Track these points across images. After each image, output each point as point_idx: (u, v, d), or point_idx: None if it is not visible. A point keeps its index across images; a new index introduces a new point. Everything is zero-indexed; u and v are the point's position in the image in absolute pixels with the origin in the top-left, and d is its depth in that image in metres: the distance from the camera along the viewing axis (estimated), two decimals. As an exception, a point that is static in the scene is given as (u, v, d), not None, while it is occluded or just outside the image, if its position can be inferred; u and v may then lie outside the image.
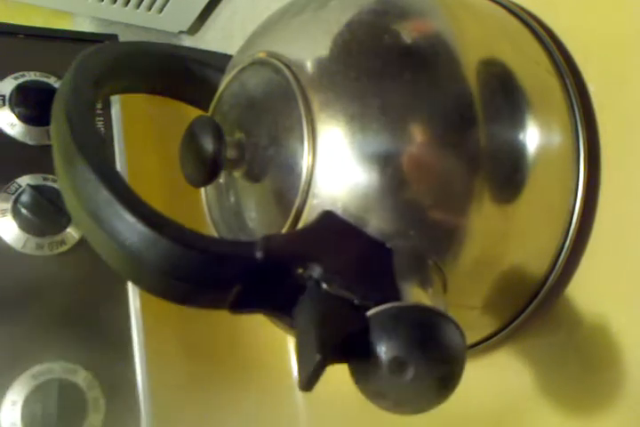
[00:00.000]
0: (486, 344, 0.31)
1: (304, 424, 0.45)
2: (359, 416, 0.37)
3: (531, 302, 0.30)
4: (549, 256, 0.29)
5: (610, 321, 0.28)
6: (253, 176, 0.29)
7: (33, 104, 0.44)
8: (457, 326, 0.22)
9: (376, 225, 0.25)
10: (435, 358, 0.21)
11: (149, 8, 0.59)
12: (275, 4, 0.33)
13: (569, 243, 0.29)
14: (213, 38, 0.61)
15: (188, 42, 0.65)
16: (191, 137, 0.29)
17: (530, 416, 0.31)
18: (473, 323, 0.30)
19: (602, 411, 0.28)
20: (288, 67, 0.27)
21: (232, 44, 0.56)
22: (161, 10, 0.59)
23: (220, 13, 0.60)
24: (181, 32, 0.63)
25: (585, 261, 0.29)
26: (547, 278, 0.29)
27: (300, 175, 0.26)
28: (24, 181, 0.43)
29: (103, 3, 0.57)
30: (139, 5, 0.58)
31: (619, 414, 0.27)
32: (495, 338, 0.31)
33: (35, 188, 0.42)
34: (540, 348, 0.31)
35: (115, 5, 0.57)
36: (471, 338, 0.31)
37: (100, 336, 0.42)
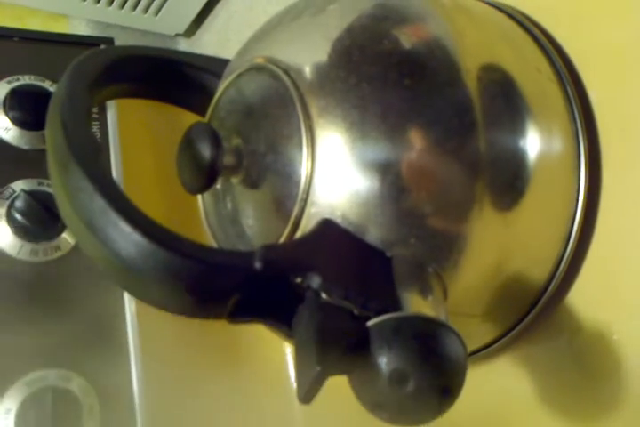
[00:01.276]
0: (486, 352, 0.31)
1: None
2: (357, 418, 0.37)
3: (531, 309, 0.30)
4: (550, 263, 0.29)
5: (610, 329, 0.28)
6: (251, 183, 0.28)
7: (27, 108, 0.44)
8: (458, 337, 0.22)
9: (376, 233, 0.25)
10: (436, 370, 0.21)
11: (145, 11, 0.58)
12: (272, 8, 0.33)
13: (570, 250, 0.29)
14: (209, 41, 0.61)
15: (184, 45, 0.64)
16: (188, 143, 0.29)
17: (529, 424, 0.31)
18: (473, 331, 0.30)
19: (601, 419, 0.28)
20: (286, 72, 0.27)
21: (228, 48, 0.56)
22: (157, 12, 0.59)
23: (217, 16, 0.60)
24: (177, 35, 0.63)
25: (586, 269, 0.29)
26: (547, 286, 0.29)
27: (298, 183, 0.26)
28: (18, 186, 0.43)
29: (99, 5, 0.57)
30: (135, 8, 0.58)
31: (618, 422, 0.27)
32: (495, 345, 0.31)
33: (29, 193, 0.42)
34: (541, 355, 0.30)
35: (111, 8, 0.57)
36: (471, 345, 0.30)
37: (95, 343, 0.41)
